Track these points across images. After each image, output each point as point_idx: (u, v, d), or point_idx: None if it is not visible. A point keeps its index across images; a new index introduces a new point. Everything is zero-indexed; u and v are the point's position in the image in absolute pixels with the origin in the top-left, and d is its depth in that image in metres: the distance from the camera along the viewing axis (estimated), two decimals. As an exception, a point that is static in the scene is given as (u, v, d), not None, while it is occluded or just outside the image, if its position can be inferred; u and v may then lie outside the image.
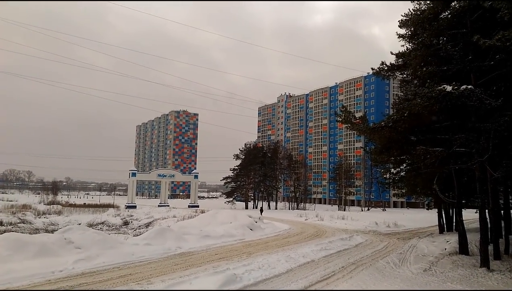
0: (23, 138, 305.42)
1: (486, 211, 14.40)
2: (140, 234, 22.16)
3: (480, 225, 14.30)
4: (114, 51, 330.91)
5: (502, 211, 20.18)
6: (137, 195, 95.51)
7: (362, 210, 75.88)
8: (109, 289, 10.09)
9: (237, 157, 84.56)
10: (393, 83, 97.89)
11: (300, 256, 15.33)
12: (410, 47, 18.11)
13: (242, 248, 18.21)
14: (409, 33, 17.63)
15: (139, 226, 34.06)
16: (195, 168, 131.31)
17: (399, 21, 17.37)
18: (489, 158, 13.34)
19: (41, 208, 48.57)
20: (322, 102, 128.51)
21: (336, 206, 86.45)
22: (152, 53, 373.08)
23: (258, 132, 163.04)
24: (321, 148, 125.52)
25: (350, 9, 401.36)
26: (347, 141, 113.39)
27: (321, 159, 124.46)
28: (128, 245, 16.51)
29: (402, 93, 20.48)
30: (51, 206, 55.98)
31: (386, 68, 19.20)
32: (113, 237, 18.10)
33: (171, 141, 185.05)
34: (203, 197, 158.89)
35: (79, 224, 27.46)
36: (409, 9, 16.84)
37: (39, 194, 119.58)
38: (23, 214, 38.96)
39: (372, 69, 19.47)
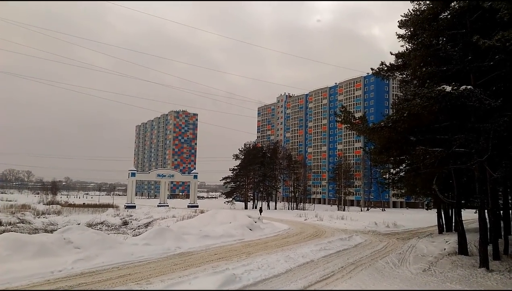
0: (22, 138, 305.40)
1: (486, 211, 14.41)
2: (140, 234, 22.15)
3: (479, 225, 14.30)
4: (113, 51, 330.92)
5: (501, 211, 20.20)
6: (136, 195, 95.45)
7: (361, 210, 75.89)
8: (108, 289, 10.08)
9: (236, 157, 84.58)
10: (393, 84, 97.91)
11: (299, 256, 15.33)
12: (409, 47, 18.14)
13: (241, 248, 18.20)
14: (409, 33, 17.65)
15: (139, 226, 34.03)
16: (195, 168, 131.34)
17: (398, 21, 17.39)
18: (488, 158, 13.35)
19: (40, 208, 48.51)
20: (321, 102, 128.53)
21: (336, 206, 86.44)
22: (151, 53, 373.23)
23: (257, 132, 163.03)
24: (321, 148, 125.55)
25: (350, 9, 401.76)
26: (346, 141, 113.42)
27: (320, 159, 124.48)
28: (127, 245, 16.51)
29: (401, 94, 20.50)
30: (51, 206, 55.93)
31: (385, 68, 19.22)
32: (112, 237, 18.09)
33: (170, 141, 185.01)
34: (203, 197, 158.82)
35: (79, 224, 27.39)
36: (408, 9, 16.87)
37: (38, 194, 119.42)
38: (22, 214, 38.92)
39: (372, 69, 19.49)
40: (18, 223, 31.64)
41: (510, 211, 21.64)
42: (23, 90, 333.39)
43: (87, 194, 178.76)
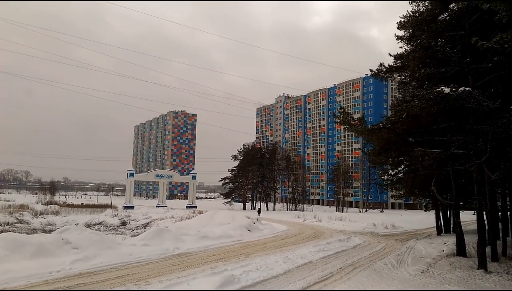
0: (20, 138, 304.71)
1: (484, 212, 14.44)
2: (138, 235, 22.13)
3: (477, 226, 14.32)
4: (112, 51, 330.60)
5: (499, 213, 20.23)
6: (135, 195, 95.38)
7: (360, 211, 75.93)
8: (106, 289, 10.06)
9: (235, 157, 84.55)
10: (391, 85, 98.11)
11: (298, 257, 15.33)
12: (408, 49, 18.18)
13: (240, 249, 18.19)
14: (408, 35, 17.71)
15: (137, 226, 33.97)
16: (193, 169, 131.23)
17: (397, 23, 17.45)
18: (487, 159, 13.37)
19: (38, 208, 48.40)
20: (320, 103, 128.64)
21: (334, 207, 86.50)
22: (151, 54, 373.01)
23: (256, 133, 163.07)
24: (319, 149, 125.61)
25: (349, 11, 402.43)
26: (345, 142, 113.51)
27: (319, 160, 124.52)
28: (126, 245, 16.47)
29: (400, 95, 20.50)
30: (49, 206, 55.81)
31: (384, 69, 19.27)
32: (110, 238, 18.07)
33: (169, 141, 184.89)
34: (201, 198, 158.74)
35: (77, 224, 27.36)
36: (407, 11, 16.94)
37: (36, 194, 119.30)
38: (20, 214, 38.78)
39: (371, 70, 19.54)
40: (16, 223, 31.56)
41: (508, 212, 21.70)
42: (22, 90, 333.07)
43: (85, 194, 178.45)
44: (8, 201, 67.68)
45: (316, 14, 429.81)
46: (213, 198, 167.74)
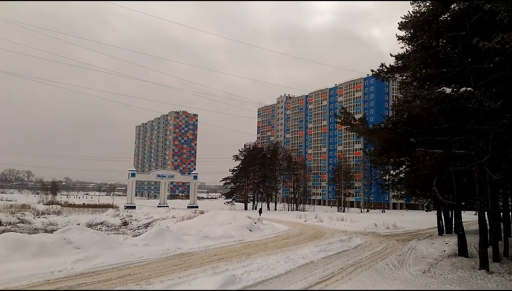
0: (22, 138, 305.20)
1: (486, 213, 14.42)
2: (139, 235, 22.16)
3: (479, 227, 14.31)
4: (113, 51, 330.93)
5: (501, 213, 20.20)
6: (136, 195, 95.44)
7: (361, 212, 75.87)
8: (108, 289, 10.08)
9: (236, 157, 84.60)
10: (393, 85, 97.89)
11: (299, 257, 15.34)
12: (409, 49, 18.16)
13: (241, 249, 18.20)
14: (409, 35, 17.69)
15: (138, 226, 34.03)
16: (195, 169, 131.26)
17: (398, 23, 17.43)
18: (488, 160, 13.36)
19: (40, 208, 48.47)
20: (321, 103, 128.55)
21: (336, 207, 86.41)
22: (151, 54, 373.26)
23: (257, 133, 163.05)
24: (321, 149, 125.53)
25: (350, 11, 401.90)
26: (346, 142, 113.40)
27: (320, 160, 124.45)
28: (127, 245, 16.50)
29: (401, 95, 20.52)
30: (50, 206, 55.88)
31: (385, 70, 19.24)
32: (112, 237, 18.11)
33: (170, 142, 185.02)
34: (203, 198, 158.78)
35: (78, 224, 27.37)
36: (408, 11, 16.91)
37: (38, 193, 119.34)
38: (22, 213, 38.88)
39: (372, 70, 19.50)
40: (18, 223, 31.64)
41: (510, 212, 21.66)
42: (23, 90, 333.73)
43: (87, 194, 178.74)
44: (10, 200, 67.81)
45: (317, 14, 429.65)
46: (215, 198, 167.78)
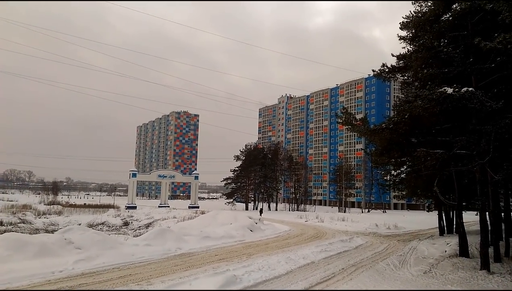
0: (23, 139, 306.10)
1: (487, 213, 14.39)
2: (140, 235, 22.17)
3: (480, 227, 14.29)
4: (114, 51, 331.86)
5: (502, 213, 20.17)
6: (137, 195, 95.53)
7: (362, 212, 75.81)
8: (109, 289, 10.09)
9: (237, 158, 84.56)
10: (394, 85, 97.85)
11: (300, 257, 15.32)
12: (411, 49, 18.13)
13: (242, 249, 18.20)
14: (410, 35, 17.66)
15: (139, 226, 34.04)
16: (196, 169, 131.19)
17: (400, 23, 17.41)
18: (489, 160, 13.33)
19: (41, 208, 48.56)
20: (322, 103, 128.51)
21: (336, 208, 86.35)
22: (152, 54, 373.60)
23: (258, 133, 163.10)
24: (322, 149, 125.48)
25: (351, 11, 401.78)
26: (347, 143, 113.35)
27: (321, 160, 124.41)
28: (128, 245, 16.51)
29: (403, 95, 20.45)
30: (51, 206, 55.96)
31: (387, 70, 19.22)
32: (113, 238, 18.10)
33: (171, 142, 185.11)
34: (204, 198, 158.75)
35: (79, 224, 27.44)
36: (410, 11, 16.89)
37: (39, 194, 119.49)
38: (23, 214, 38.94)
39: (373, 71, 19.48)
40: (19, 223, 31.67)
41: (511, 213, 21.61)
42: (23, 90, 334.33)
43: (88, 194, 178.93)
44: (11, 201, 67.85)
45: (318, 14, 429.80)
46: (215, 198, 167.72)
